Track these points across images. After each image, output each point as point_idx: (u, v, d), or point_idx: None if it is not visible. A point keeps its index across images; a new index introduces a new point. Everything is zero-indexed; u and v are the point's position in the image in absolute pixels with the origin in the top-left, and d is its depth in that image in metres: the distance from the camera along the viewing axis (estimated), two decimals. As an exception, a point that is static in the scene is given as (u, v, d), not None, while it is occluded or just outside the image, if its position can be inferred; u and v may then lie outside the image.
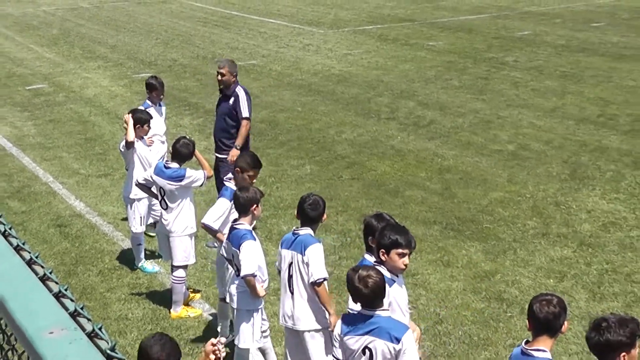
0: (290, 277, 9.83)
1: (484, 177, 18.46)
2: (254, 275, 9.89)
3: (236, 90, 15.16)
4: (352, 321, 8.08)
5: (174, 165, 12.73)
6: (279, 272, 10.21)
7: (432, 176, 18.60)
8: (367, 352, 7.92)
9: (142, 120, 14.17)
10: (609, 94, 24.66)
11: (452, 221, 15.99)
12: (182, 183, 12.55)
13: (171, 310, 12.82)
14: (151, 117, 14.53)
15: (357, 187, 18.07)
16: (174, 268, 12.81)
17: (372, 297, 7.84)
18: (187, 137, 13.54)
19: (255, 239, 10.29)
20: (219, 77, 15.19)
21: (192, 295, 13.22)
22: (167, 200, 12.76)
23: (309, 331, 9.77)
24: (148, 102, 15.94)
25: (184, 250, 12.73)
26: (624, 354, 6.14)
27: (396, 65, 29.60)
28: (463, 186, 17.87)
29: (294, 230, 10.04)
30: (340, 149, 20.77)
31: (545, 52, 31.00)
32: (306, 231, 9.87)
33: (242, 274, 9.91)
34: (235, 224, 10.40)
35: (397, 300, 8.62)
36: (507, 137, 21.27)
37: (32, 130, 23.12)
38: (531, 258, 14.42)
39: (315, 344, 9.85)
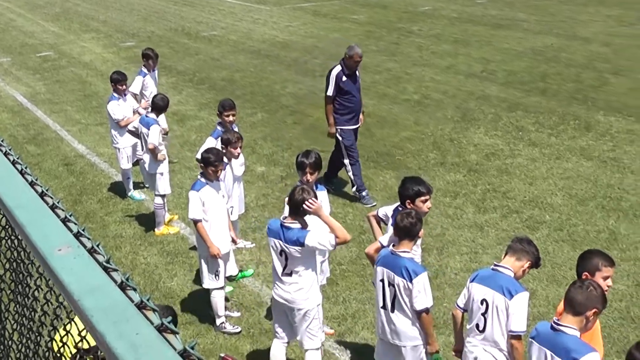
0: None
1: (395, 120, 18.54)
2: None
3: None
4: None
5: (152, 115, 12.68)
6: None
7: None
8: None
9: (115, 79, 14.09)
10: (489, 55, 24.76)
11: (372, 155, 16.05)
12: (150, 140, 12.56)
13: (155, 229, 12.83)
14: (125, 78, 14.24)
15: (299, 129, 18.07)
16: (155, 196, 12.83)
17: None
18: (163, 93, 13.54)
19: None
20: (360, 62, 13.92)
21: (171, 216, 13.22)
22: (144, 145, 12.75)
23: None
24: (144, 69, 15.65)
25: (162, 183, 12.72)
26: (594, 310, 5.96)
27: (327, 35, 29.42)
28: (380, 127, 17.91)
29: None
30: (284, 100, 20.73)
31: (442, 23, 30.94)
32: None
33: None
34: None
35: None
36: (413, 89, 21.33)
37: (43, 89, 22.79)
38: (432, 182, 14.45)
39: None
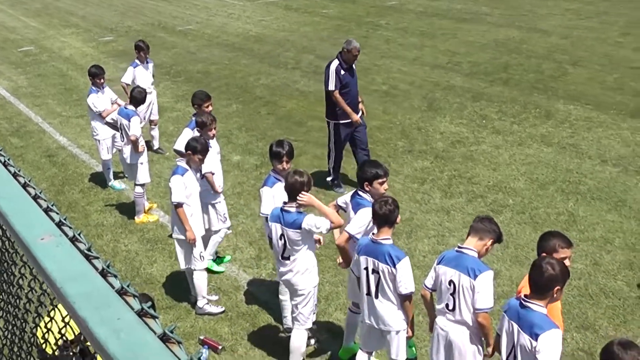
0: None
1: (365, 109, 18.52)
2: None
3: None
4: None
5: (131, 107, 12.62)
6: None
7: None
8: None
9: (93, 73, 13.98)
10: (454, 47, 24.82)
11: (342, 143, 16.07)
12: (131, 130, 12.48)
13: (135, 217, 12.79)
14: (103, 72, 14.11)
15: (272, 120, 18.04)
16: (135, 186, 12.77)
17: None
18: (140, 87, 13.49)
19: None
20: (357, 56, 13.51)
21: (150, 205, 13.17)
22: (124, 136, 12.69)
23: None
24: (137, 61, 15.63)
25: (142, 173, 12.65)
26: (557, 288, 6.11)
27: (298, 28, 29.37)
28: (350, 117, 17.93)
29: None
30: (258, 91, 20.68)
31: (409, 16, 30.99)
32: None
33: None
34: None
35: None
36: (382, 80, 21.34)
37: (25, 82, 22.65)
38: (401, 169, 14.57)
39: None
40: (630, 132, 16.23)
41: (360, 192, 8.39)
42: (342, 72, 13.25)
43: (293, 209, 8.13)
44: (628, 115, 17.32)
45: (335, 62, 13.34)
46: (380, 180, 8.33)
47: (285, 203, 8.25)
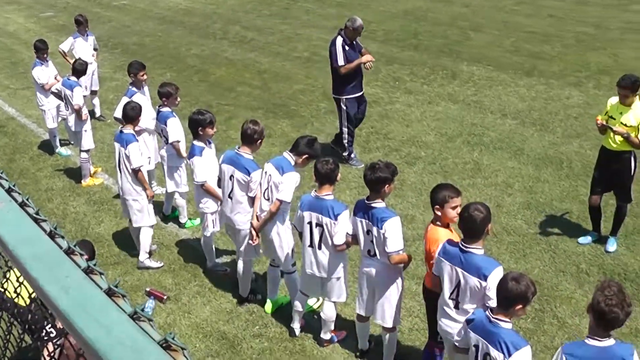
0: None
1: (289, 75, 18.47)
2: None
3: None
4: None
5: (73, 78, 12.40)
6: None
7: (254, 76, 18.50)
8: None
9: (37, 47, 13.74)
10: (369, 16, 24.69)
11: (270, 106, 15.99)
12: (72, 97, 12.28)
13: (82, 181, 12.60)
14: (47, 46, 13.89)
15: (204, 86, 17.85)
16: (80, 152, 12.56)
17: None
18: (82, 59, 13.18)
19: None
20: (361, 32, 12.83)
21: (95, 169, 12.97)
22: (68, 106, 12.46)
23: None
24: (77, 33, 15.38)
25: (86, 139, 12.44)
26: (488, 227, 6.24)
27: (225, 1, 28.91)
28: (275, 82, 17.85)
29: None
30: (190, 60, 20.41)
31: (326, -12, 30.89)
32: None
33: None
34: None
35: None
36: (303, 47, 21.24)
37: (-29, 58, 21.98)
38: (323, 128, 14.58)
39: None
40: (526, 89, 16.52)
41: (287, 156, 8.20)
42: (347, 48, 12.51)
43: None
44: (524, 74, 17.60)
45: (340, 39, 12.56)
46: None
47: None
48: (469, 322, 5.81)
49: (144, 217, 9.72)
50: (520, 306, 5.48)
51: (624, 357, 5.16)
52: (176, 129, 10.37)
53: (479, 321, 5.66)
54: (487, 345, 5.52)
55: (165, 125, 10.30)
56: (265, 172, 8.26)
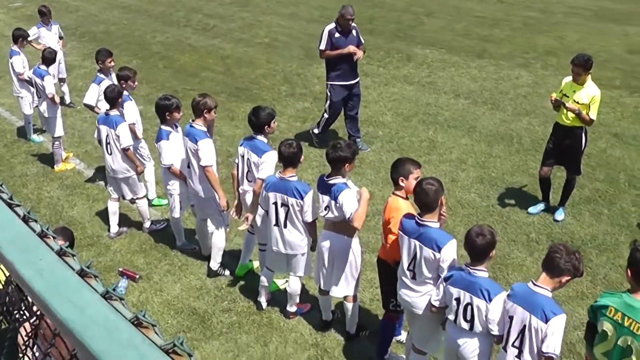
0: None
1: (251, 60, 18.38)
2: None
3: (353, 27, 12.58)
4: None
5: (44, 67, 12.24)
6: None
7: (217, 62, 18.37)
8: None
9: (19, 36, 13.54)
10: (325, 3, 24.64)
11: (233, 90, 15.91)
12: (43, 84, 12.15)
13: (54, 166, 12.46)
14: (27, 35, 13.80)
15: (169, 72, 17.67)
16: (52, 138, 12.42)
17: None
18: (52, 47, 12.97)
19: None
20: (351, 20, 12.37)
21: (67, 154, 12.83)
22: (40, 93, 12.30)
23: None
24: (41, 23, 15.19)
25: (57, 126, 12.29)
26: (441, 199, 6.33)
27: (188, -10, 28.76)
28: (238, 67, 17.74)
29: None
30: (155, 48, 20.18)
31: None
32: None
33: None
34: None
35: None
36: (264, 34, 21.14)
37: (-61, 49, 21.49)
38: (285, 110, 14.55)
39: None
40: (478, 70, 16.63)
41: (256, 135, 8.18)
42: (336, 34, 12.17)
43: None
44: (475, 56, 17.71)
45: (331, 25, 12.32)
46: (275, 124, 8.13)
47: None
48: (447, 279, 5.99)
49: (136, 190, 9.97)
50: (493, 252, 5.80)
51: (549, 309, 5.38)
52: (132, 111, 10.41)
53: (458, 275, 5.88)
54: (469, 295, 5.76)
55: (123, 108, 10.27)
56: (242, 156, 8.27)
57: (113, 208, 10.14)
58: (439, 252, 6.12)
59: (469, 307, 5.78)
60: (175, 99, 9.25)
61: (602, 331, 5.27)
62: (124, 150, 9.64)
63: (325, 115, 12.63)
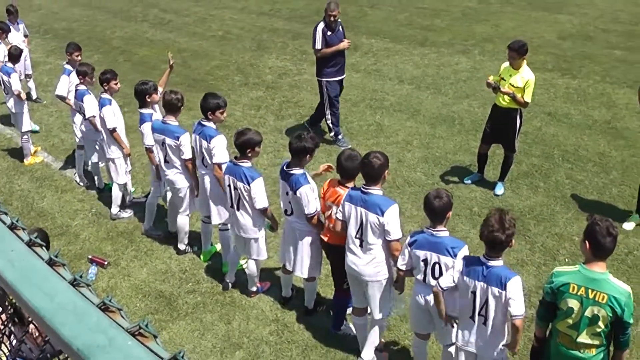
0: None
1: (206, 52, 18.23)
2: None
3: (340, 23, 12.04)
4: None
5: (10, 65, 12.04)
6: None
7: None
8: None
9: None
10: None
11: (190, 82, 15.77)
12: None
13: (24, 160, 12.26)
14: (9, 30, 13.94)
15: (129, 65, 17.42)
16: (21, 133, 12.22)
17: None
18: (17, 45, 12.73)
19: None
20: (333, 16, 11.65)
21: (35, 148, 12.63)
22: (7, 90, 12.06)
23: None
24: (8, 22, 14.87)
25: (25, 121, 12.06)
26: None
27: (144, -13, 28.33)
28: (194, 59, 17.58)
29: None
30: (115, 42, 19.89)
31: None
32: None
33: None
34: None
35: None
36: (217, 27, 20.96)
37: None
38: (239, 99, 14.49)
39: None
40: (420, 58, 16.74)
41: (204, 122, 8.13)
42: (329, 32, 11.70)
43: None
44: (418, 45, 17.81)
45: (322, 24, 11.78)
46: (221, 110, 8.09)
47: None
48: (411, 244, 6.10)
49: (117, 175, 9.92)
50: (450, 212, 5.95)
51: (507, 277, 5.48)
52: (91, 106, 10.21)
53: (422, 238, 6.02)
54: (436, 255, 5.94)
55: (82, 102, 10.18)
56: (196, 142, 8.20)
57: (116, 192, 10.14)
58: (382, 215, 6.23)
59: (437, 265, 5.94)
60: (152, 82, 9.34)
61: (567, 308, 5.25)
62: (110, 132, 9.62)
63: (329, 116, 12.19)
